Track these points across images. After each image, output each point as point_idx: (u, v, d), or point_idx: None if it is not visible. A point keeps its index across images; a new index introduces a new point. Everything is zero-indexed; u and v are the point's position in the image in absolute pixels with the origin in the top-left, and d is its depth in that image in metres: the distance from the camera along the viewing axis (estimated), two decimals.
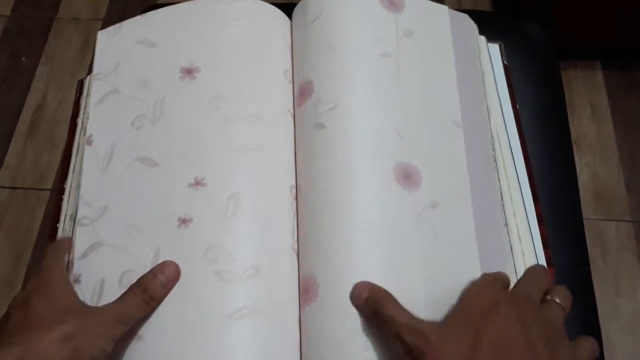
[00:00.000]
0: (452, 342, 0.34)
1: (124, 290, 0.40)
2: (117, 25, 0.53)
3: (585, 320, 0.52)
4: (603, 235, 1.11)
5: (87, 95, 0.52)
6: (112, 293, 0.41)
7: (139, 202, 0.45)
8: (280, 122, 0.48)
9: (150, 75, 0.49)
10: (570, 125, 0.63)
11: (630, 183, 1.15)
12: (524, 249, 0.46)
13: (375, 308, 0.38)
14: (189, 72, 0.49)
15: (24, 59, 1.31)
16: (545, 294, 0.39)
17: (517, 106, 0.53)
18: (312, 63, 0.49)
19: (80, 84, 0.55)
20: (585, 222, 0.58)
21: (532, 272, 0.41)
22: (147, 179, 0.45)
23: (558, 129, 0.61)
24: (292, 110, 0.49)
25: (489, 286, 0.38)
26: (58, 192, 0.50)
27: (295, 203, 0.46)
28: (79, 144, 0.51)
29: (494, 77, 0.53)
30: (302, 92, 0.48)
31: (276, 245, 0.43)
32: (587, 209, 1.12)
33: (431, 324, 0.36)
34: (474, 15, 0.53)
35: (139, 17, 0.53)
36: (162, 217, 0.44)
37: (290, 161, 0.47)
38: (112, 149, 0.47)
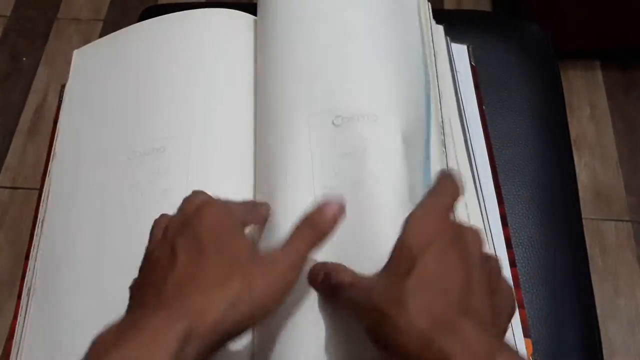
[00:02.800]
0: (381, 285, 0.32)
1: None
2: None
3: (584, 320, 0.52)
4: (602, 235, 1.11)
5: None
6: None
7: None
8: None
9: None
10: (570, 126, 0.63)
11: (629, 183, 1.15)
12: None
13: (328, 280, 0.36)
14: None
15: (24, 59, 1.31)
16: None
17: (484, 107, 0.53)
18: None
19: (63, 87, 0.54)
20: (584, 222, 0.58)
21: (470, 230, 0.35)
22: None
23: (558, 129, 0.61)
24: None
25: (430, 216, 0.33)
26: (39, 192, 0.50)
27: None
28: (54, 149, 0.51)
29: (453, 73, 0.53)
30: None
31: None
32: (587, 209, 1.12)
33: (372, 277, 0.34)
34: (474, 15, 0.53)
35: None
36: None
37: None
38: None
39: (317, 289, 0.37)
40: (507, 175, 0.54)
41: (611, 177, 1.16)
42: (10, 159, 1.20)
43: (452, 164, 0.48)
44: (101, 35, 1.33)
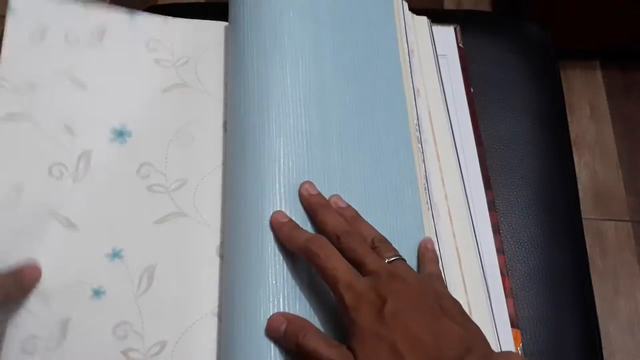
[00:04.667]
0: (370, 353, 0.34)
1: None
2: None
3: (584, 320, 0.52)
4: (602, 235, 1.11)
5: None
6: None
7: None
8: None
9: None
10: (570, 126, 0.63)
11: (629, 183, 1.16)
12: (456, 231, 0.47)
13: (296, 341, 0.36)
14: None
15: None
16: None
17: (472, 90, 0.53)
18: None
19: None
20: (584, 222, 0.58)
21: (351, 242, 0.39)
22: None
23: (557, 129, 0.61)
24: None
25: (352, 291, 0.36)
26: None
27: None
28: None
29: (435, 58, 0.53)
30: None
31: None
32: (586, 209, 1.12)
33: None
34: (474, 15, 0.53)
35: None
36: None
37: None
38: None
39: (273, 339, 0.37)
40: (507, 175, 0.54)
41: (611, 177, 1.16)
42: None
43: (431, 160, 0.48)
44: None
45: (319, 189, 0.42)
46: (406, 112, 0.48)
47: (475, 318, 0.37)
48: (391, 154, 0.46)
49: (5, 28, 0.47)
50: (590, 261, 0.55)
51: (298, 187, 0.42)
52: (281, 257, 0.39)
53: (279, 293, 0.38)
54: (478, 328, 0.36)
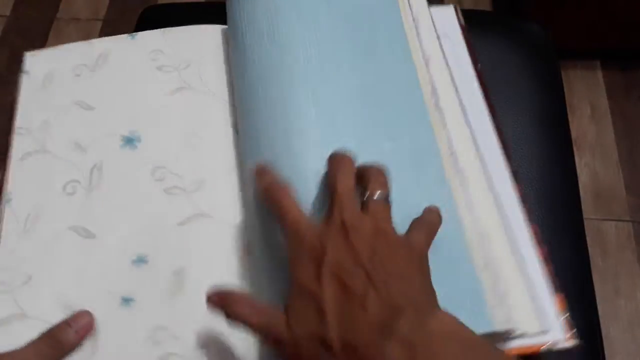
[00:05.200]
0: (299, 314, 0.33)
1: None
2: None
3: (585, 320, 0.52)
4: (603, 235, 1.11)
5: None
6: None
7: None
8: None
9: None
10: (570, 126, 0.63)
11: (629, 183, 1.15)
12: (476, 207, 0.44)
13: (225, 313, 0.36)
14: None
15: None
16: (365, 188, 0.38)
17: (479, 65, 0.52)
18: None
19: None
20: (584, 222, 0.58)
21: (334, 173, 0.39)
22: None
23: (558, 129, 0.61)
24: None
25: (296, 240, 0.36)
26: None
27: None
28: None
29: (437, 36, 0.52)
30: None
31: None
32: (587, 209, 1.12)
33: (276, 307, 0.35)
34: (474, 15, 0.53)
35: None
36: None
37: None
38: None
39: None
40: None
41: (611, 177, 1.16)
42: None
43: (445, 134, 0.47)
44: (100, 34, 1.33)
45: None
46: (418, 83, 0.48)
47: (515, 291, 0.39)
48: (408, 128, 0.45)
49: (19, 87, 0.52)
50: (590, 261, 0.55)
51: (318, 176, 0.41)
52: None
53: None
54: (425, 288, 0.35)
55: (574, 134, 0.73)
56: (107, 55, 0.51)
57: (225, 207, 0.45)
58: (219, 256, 0.43)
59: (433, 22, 0.53)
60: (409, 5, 0.53)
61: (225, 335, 0.40)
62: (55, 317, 0.40)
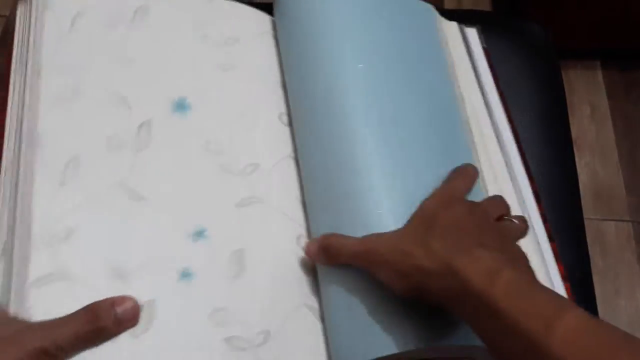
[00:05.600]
0: (408, 241, 0.36)
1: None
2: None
3: None
4: (603, 235, 1.11)
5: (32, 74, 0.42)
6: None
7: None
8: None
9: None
10: (570, 126, 0.63)
11: (629, 183, 1.15)
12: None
13: (327, 254, 0.39)
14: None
15: None
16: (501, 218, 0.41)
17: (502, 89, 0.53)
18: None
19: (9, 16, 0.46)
20: (584, 222, 0.58)
21: (491, 198, 0.43)
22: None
23: (558, 129, 0.61)
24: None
25: (447, 190, 0.41)
26: None
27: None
28: (14, 86, 0.41)
29: (471, 62, 0.53)
30: None
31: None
32: (587, 209, 1.11)
33: (377, 235, 0.38)
34: (474, 15, 0.53)
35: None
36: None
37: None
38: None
39: (317, 260, 0.40)
40: None
41: (611, 177, 1.16)
42: None
43: (483, 155, 0.48)
44: None
45: (389, 167, 0.42)
46: (460, 113, 0.49)
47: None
48: (452, 152, 0.46)
49: (44, 20, 0.44)
50: (590, 261, 0.55)
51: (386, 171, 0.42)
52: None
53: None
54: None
55: (574, 134, 0.73)
56: (145, 12, 0.47)
57: (280, 196, 0.44)
58: (273, 245, 0.42)
59: (466, 43, 0.54)
60: (444, 27, 0.53)
61: (288, 321, 0.39)
62: (100, 281, 0.36)
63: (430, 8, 0.54)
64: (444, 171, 0.43)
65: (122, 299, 0.35)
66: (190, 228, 0.40)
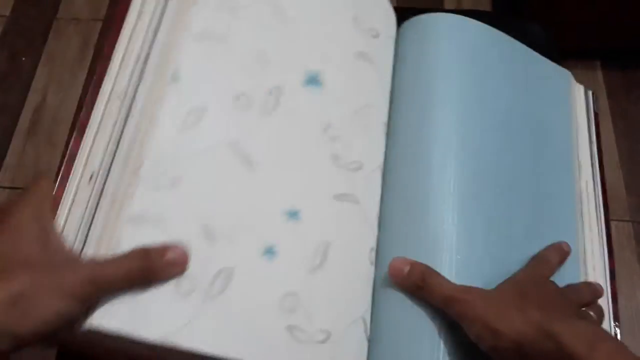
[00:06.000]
0: (503, 304, 0.37)
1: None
2: None
3: None
4: None
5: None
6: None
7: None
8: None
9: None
10: None
11: (629, 183, 1.15)
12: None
13: (418, 282, 0.39)
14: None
15: (23, 59, 1.31)
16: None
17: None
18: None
19: None
20: None
21: (580, 285, 0.45)
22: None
23: None
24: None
25: (537, 268, 0.43)
26: (79, 128, 0.38)
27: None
28: (124, 53, 0.39)
29: (588, 131, 0.53)
30: None
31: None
32: None
33: (477, 289, 0.39)
34: (474, 15, 0.53)
35: None
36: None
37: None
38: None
39: (395, 281, 0.40)
40: None
41: (612, 177, 1.16)
42: (9, 159, 1.20)
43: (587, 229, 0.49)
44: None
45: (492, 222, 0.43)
46: (575, 178, 0.50)
47: None
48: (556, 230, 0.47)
49: None
50: None
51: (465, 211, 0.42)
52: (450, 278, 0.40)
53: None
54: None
55: None
56: None
57: (370, 202, 0.43)
58: (354, 248, 0.41)
59: (588, 109, 0.54)
60: (575, 91, 0.54)
61: (349, 329, 0.39)
62: (190, 237, 0.35)
63: (567, 75, 0.55)
64: (540, 240, 0.45)
65: (174, 246, 0.35)
66: (287, 206, 0.39)
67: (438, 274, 0.39)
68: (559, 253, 0.45)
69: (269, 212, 0.39)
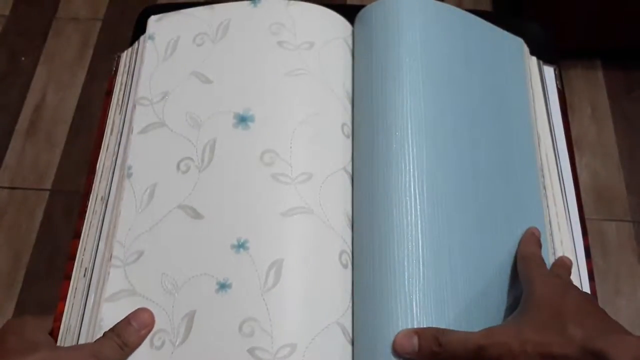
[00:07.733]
0: (539, 330, 0.36)
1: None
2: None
3: None
4: (603, 236, 1.11)
5: (125, 107, 0.49)
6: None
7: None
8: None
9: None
10: (571, 125, 0.62)
11: (630, 183, 1.15)
12: None
13: (433, 348, 0.37)
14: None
15: (23, 58, 1.31)
16: None
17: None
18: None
19: (118, 58, 0.53)
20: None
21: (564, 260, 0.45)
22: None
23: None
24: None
25: (552, 276, 0.41)
26: (90, 168, 0.48)
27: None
28: (113, 120, 0.49)
29: (546, 104, 0.53)
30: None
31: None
32: (588, 209, 1.12)
33: (505, 328, 0.37)
34: (474, 15, 0.53)
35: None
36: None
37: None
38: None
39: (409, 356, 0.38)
40: None
41: (612, 177, 1.16)
42: (8, 159, 1.20)
43: (551, 203, 0.49)
44: (100, 34, 1.33)
45: (452, 206, 0.43)
46: (536, 150, 0.49)
47: None
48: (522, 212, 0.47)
49: (143, 53, 0.50)
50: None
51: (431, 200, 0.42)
52: (419, 267, 0.40)
53: (411, 303, 0.39)
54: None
55: (574, 133, 0.73)
56: (227, 25, 0.50)
57: (329, 208, 0.43)
58: (315, 257, 0.42)
59: (543, 81, 0.54)
60: (529, 65, 0.54)
61: (318, 337, 0.39)
62: (157, 296, 0.41)
63: (521, 43, 0.54)
64: (511, 221, 0.45)
65: (135, 313, 0.41)
66: (233, 240, 0.42)
67: (450, 331, 0.38)
68: (537, 242, 0.44)
69: (218, 251, 0.42)
